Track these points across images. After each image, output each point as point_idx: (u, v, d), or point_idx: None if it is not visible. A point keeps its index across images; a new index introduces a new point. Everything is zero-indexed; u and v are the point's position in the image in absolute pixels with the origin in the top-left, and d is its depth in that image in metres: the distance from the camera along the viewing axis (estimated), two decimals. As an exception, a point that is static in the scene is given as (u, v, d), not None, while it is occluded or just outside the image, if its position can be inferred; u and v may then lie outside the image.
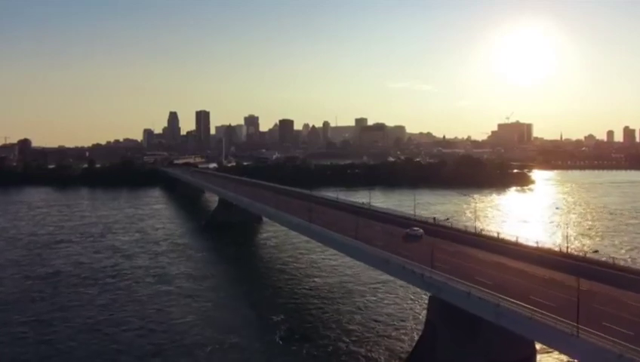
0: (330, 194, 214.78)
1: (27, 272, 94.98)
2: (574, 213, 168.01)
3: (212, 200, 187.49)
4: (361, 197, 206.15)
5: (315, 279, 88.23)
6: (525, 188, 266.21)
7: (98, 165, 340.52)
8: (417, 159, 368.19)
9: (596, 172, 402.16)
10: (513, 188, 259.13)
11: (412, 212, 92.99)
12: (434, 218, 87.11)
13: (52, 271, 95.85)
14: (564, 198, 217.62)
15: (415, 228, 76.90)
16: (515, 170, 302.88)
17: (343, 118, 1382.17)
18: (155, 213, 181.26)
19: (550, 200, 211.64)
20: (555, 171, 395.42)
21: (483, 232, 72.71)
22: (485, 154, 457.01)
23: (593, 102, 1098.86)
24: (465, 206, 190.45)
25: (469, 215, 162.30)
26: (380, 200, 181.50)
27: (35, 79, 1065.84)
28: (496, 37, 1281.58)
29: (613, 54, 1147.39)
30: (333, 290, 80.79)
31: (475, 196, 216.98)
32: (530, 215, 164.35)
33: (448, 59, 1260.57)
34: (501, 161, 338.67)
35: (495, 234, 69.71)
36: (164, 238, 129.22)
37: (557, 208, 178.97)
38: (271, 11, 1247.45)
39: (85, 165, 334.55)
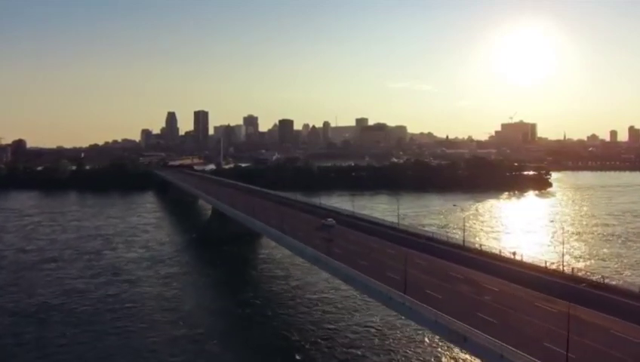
0: (336, 199, 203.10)
1: (9, 304, 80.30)
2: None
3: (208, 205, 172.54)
4: (374, 204, 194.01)
5: (370, 318, 69.60)
6: (544, 191, 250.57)
7: (88, 167, 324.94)
8: (427, 160, 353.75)
9: (609, 173, 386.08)
10: (532, 192, 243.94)
11: (451, 231, 77.70)
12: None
13: (40, 302, 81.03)
14: (607, 205, 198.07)
15: (329, 219, 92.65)
16: (531, 172, 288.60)
17: (343, 118, 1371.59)
18: (149, 222, 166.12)
19: (591, 206, 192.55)
20: (564, 172, 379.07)
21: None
22: (492, 155, 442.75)
23: (593, 102, 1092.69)
24: (500, 214, 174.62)
25: (518, 227, 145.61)
26: (401, 207, 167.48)
27: (34, 79, 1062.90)
28: (496, 37, 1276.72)
29: (613, 54, 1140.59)
30: (387, 342, 62.52)
31: (500, 202, 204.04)
32: (604, 230, 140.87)
33: (448, 59, 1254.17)
34: (518, 162, 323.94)
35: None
36: (169, 256, 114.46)
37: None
38: (271, 11, 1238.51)
39: (74, 167, 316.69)
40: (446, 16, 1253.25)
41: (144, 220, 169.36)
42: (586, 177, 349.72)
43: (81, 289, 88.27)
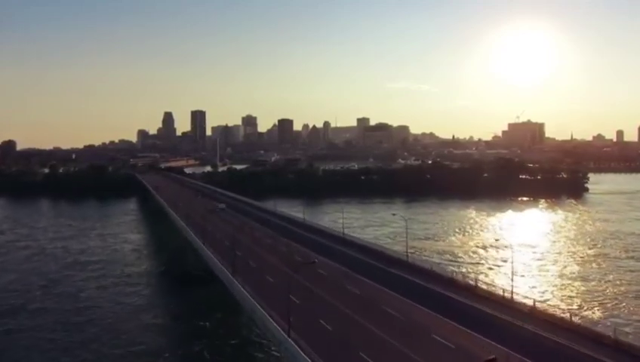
0: (341, 206, 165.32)
1: None
2: None
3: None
4: (398, 213, 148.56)
5: None
6: (584, 198, 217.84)
7: (72, 168, 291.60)
8: (452, 163, 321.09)
9: (636, 175, 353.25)
10: (571, 200, 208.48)
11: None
12: None
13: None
14: None
15: (221, 204, 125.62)
16: (563, 175, 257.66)
17: (343, 119, 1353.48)
18: (127, 240, 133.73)
19: None
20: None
21: None
22: (507, 156, 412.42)
23: (594, 102, 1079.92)
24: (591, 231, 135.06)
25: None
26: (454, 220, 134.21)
27: (31, 80, 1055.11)
28: (495, 37, 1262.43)
29: (613, 54, 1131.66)
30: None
31: (557, 213, 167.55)
32: None
33: (448, 59, 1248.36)
34: (550, 165, 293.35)
35: None
36: (154, 305, 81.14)
37: None
38: (270, 11, 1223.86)
39: (46, 170, 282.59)
40: (445, 16, 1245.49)
41: (120, 240, 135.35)
42: (616, 180, 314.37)
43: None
